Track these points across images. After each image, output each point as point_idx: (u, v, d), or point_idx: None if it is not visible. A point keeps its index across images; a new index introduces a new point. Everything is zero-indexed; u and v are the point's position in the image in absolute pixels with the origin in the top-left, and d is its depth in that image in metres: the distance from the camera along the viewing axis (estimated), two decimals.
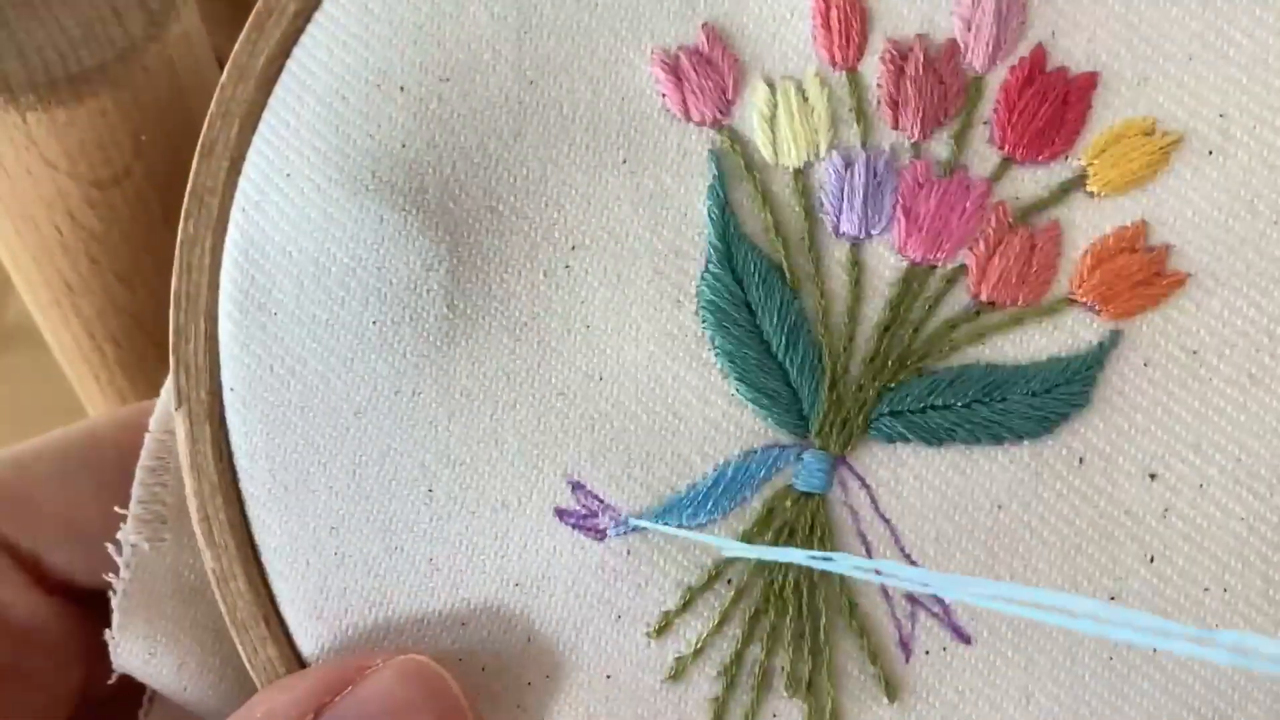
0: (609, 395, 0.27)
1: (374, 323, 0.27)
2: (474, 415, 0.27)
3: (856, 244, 0.27)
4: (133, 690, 0.31)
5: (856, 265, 0.27)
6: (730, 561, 0.27)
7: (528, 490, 0.27)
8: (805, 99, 0.27)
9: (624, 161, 0.27)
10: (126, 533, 0.29)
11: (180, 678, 0.29)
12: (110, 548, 0.29)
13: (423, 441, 0.27)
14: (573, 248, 0.27)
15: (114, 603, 0.29)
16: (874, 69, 0.27)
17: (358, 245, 0.27)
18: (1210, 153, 0.26)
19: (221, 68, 0.28)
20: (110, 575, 0.29)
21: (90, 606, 0.30)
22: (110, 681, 0.29)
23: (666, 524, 0.27)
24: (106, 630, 0.29)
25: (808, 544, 0.27)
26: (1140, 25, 0.26)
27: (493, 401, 0.27)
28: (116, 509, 0.29)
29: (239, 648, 0.28)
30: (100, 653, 0.29)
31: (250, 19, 0.28)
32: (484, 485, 0.27)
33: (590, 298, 0.27)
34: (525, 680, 0.28)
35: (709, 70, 0.27)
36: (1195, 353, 0.27)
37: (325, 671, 0.26)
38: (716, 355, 0.27)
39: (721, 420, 0.27)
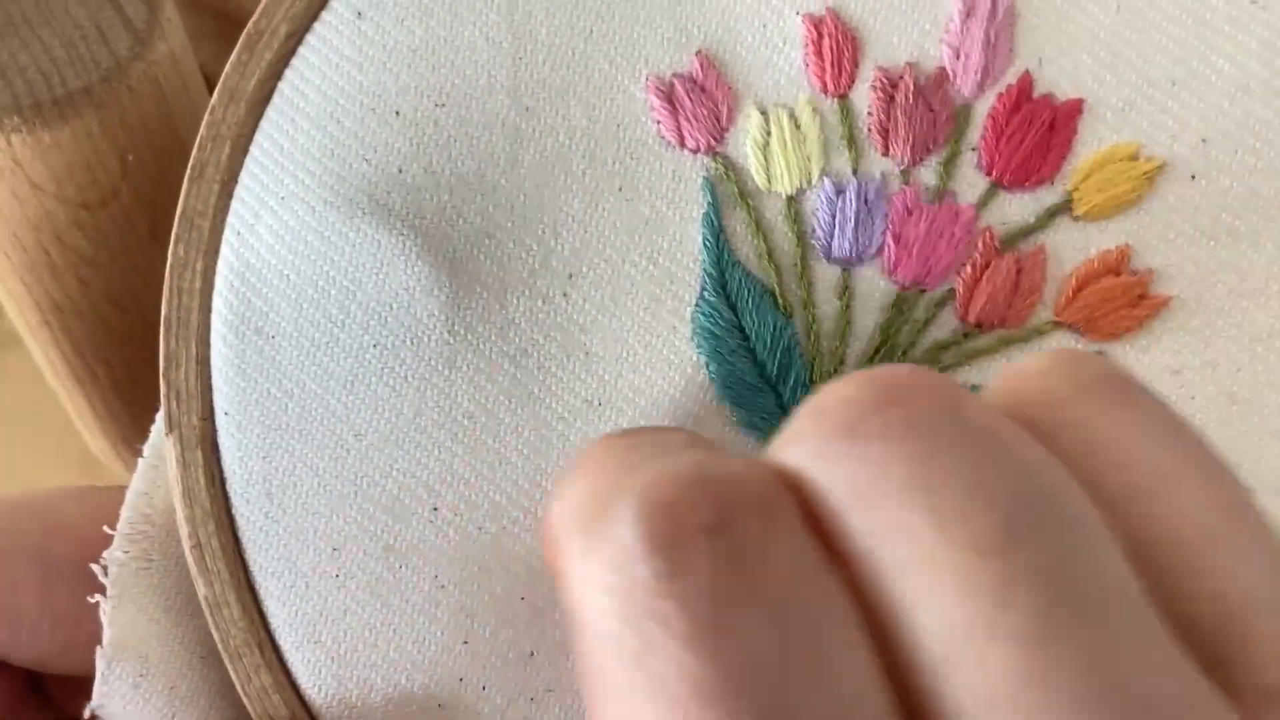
0: (608, 420, 0.27)
1: (374, 346, 0.27)
2: (478, 436, 0.27)
3: (847, 269, 0.27)
4: None
5: (847, 290, 0.27)
6: None
7: (533, 506, 0.27)
8: (797, 126, 0.27)
9: (620, 189, 0.27)
10: (113, 550, 0.28)
11: (171, 703, 0.29)
12: (95, 568, 0.29)
13: (426, 462, 0.27)
14: (570, 276, 0.27)
15: (105, 620, 0.28)
16: (865, 96, 0.27)
17: (357, 269, 0.27)
18: (1193, 177, 0.27)
19: (208, 85, 0.28)
20: (97, 597, 0.28)
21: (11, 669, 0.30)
22: None
23: None
24: (98, 648, 0.28)
25: None
26: (1125, 52, 0.27)
27: (496, 423, 0.27)
28: (105, 528, 0.29)
29: (233, 675, 0.28)
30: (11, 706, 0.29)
31: (241, 40, 0.28)
32: (490, 503, 0.27)
33: (589, 326, 0.27)
34: (528, 695, 0.28)
35: (703, 98, 0.27)
36: (1178, 373, 0.27)
37: None
38: (711, 379, 0.27)
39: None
